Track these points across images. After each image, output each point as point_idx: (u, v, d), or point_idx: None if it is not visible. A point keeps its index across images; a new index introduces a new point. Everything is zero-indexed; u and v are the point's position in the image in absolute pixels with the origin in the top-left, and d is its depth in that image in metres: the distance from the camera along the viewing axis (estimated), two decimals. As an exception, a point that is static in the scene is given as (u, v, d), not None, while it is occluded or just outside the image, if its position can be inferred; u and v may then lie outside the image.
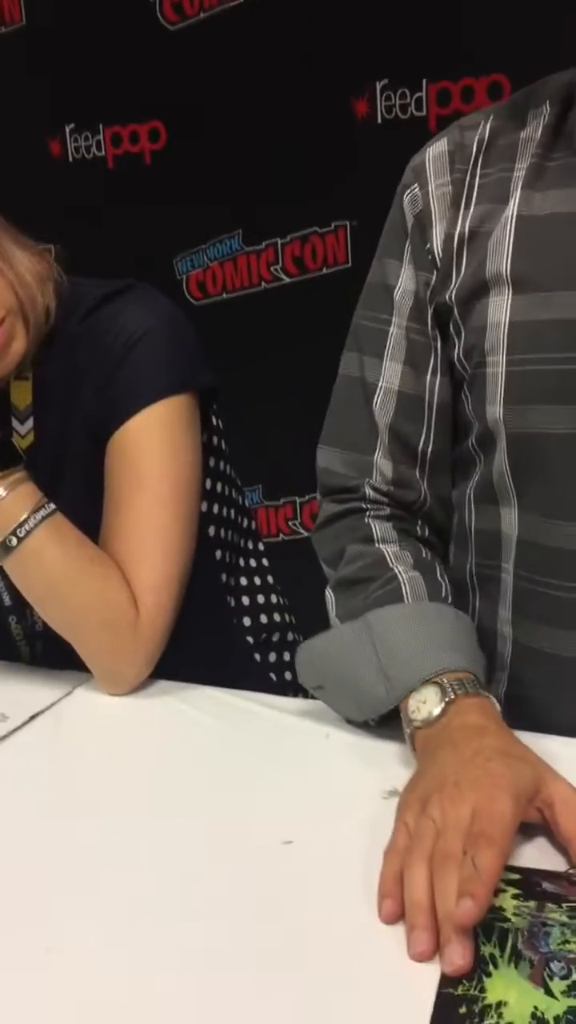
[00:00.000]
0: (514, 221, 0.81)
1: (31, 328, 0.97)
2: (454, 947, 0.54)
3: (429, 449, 0.90)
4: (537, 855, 0.64)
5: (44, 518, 0.93)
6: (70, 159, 2.25)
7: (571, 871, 0.62)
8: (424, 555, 0.88)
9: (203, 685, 0.95)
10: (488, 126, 0.86)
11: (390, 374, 0.89)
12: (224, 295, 2.17)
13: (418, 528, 0.92)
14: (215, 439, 1.12)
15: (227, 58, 2.02)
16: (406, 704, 0.75)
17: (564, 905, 0.58)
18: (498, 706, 0.74)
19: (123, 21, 2.10)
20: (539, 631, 0.83)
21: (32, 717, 0.90)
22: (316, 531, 0.95)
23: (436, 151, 0.88)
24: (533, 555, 0.82)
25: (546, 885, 0.60)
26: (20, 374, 1.01)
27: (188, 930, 0.60)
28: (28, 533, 0.92)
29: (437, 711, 0.72)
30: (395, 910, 0.59)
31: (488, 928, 0.56)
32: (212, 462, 1.11)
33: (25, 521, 0.92)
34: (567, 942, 0.55)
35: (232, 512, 1.16)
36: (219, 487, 1.13)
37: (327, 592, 0.90)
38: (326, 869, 0.64)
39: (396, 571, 0.84)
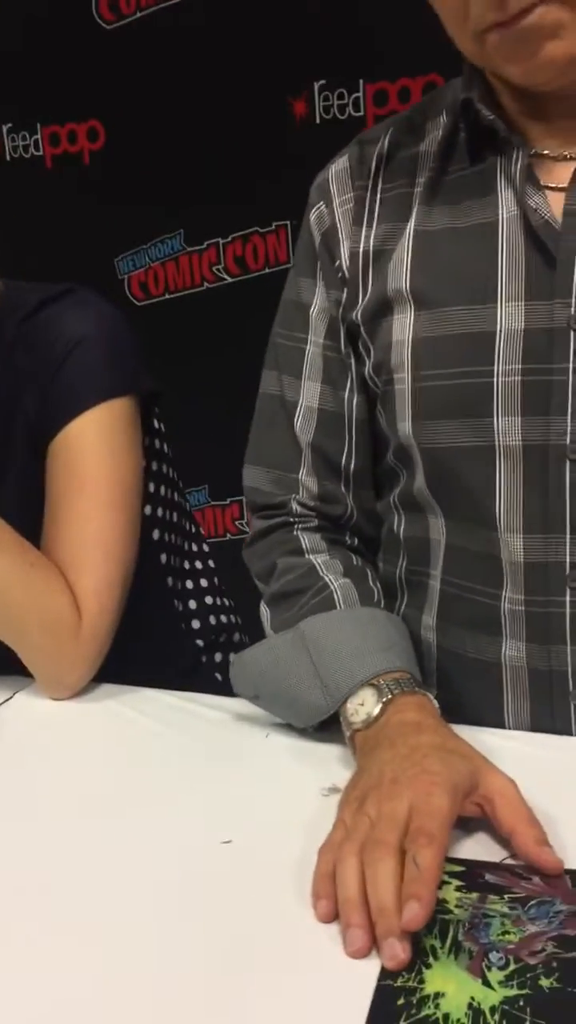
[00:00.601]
0: (412, 237, 0.81)
1: None
2: (393, 942, 0.55)
3: (352, 465, 0.90)
4: (478, 848, 0.65)
5: None
6: (8, 159, 2.23)
7: (508, 860, 0.62)
8: (355, 562, 0.88)
9: (146, 687, 0.95)
10: (387, 140, 0.85)
11: (309, 393, 0.89)
12: (166, 295, 2.17)
13: (347, 538, 0.92)
14: (157, 442, 1.12)
15: (165, 57, 2.01)
16: (344, 708, 0.75)
17: (506, 896, 0.59)
18: (435, 703, 0.75)
19: (59, 20, 2.08)
20: (463, 636, 0.83)
21: (-29, 724, 0.90)
22: (247, 547, 0.95)
23: (338, 168, 0.88)
24: (460, 560, 0.83)
25: (489, 876, 0.61)
26: None
27: (124, 931, 0.60)
28: None
29: (376, 711, 0.72)
30: (330, 909, 0.59)
31: (430, 920, 0.56)
32: (155, 465, 1.10)
33: None
34: (507, 933, 0.56)
35: (175, 515, 1.16)
36: (162, 490, 1.13)
37: (262, 607, 0.90)
38: (265, 867, 0.64)
39: (327, 580, 0.84)
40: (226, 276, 2.08)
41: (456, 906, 0.58)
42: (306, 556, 0.87)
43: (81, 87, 2.09)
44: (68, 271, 1.09)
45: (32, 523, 0.97)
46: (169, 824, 0.71)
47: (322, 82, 1.87)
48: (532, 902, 0.58)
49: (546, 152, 0.77)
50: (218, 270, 2.09)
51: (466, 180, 0.80)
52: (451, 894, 0.59)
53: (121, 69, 2.05)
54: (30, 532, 0.96)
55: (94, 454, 0.97)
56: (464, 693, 0.84)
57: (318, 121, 1.89)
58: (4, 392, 0.99)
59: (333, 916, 0.59)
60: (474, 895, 0.59)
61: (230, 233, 2.05)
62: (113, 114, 2.10)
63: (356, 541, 0.93)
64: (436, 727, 0.70)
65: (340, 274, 0.86)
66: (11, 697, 0.95)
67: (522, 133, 0.77)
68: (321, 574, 0.85)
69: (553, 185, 0.76)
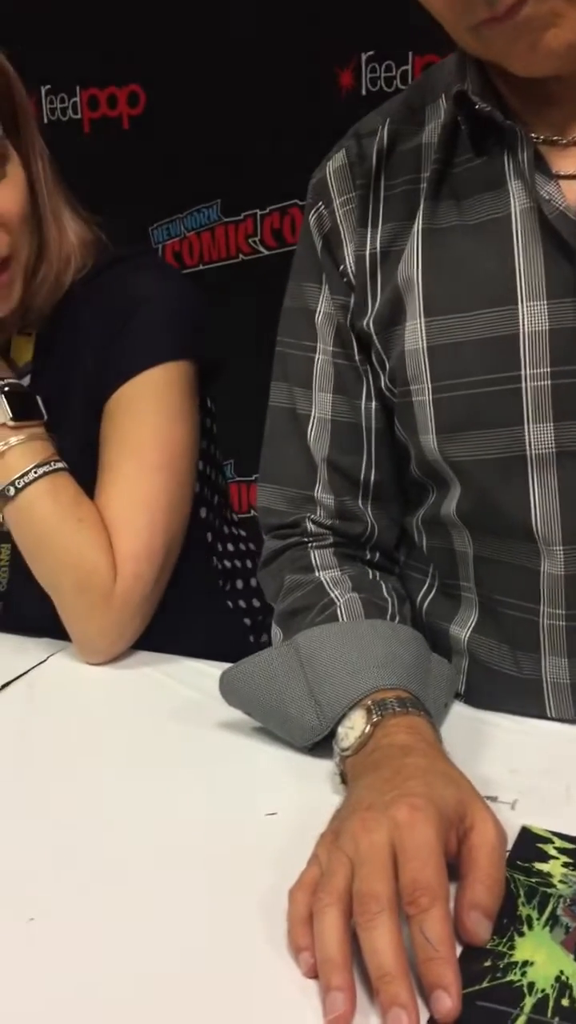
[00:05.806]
0: (420, 237, 0.76)
1: (48, 284, 0.96)
2: (399, 1013, 0.47)
3: (372, 478, 0.85)
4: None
5: (45, 473, 0.92)
6: (45, 121, 2.20)
7: None
8: (369, 576, 0.84)
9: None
10: (386, 132, 0.79)
11: (322, 404, 0.84)
12: (201, 266, 2.15)
13: (367, 553, 0.87)
14: (208, 421, 1.10)
15: (211, 24, 1.98)
16: (336, 732, 0.69)
17: None
18: (431, 723, 0.68)
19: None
20: (497, 651, 0.80)
21: (4, 685, 0.89)
22: (260, 569, 0.91)
23: (336, 165, 0.82)
24: (494, 573, 0.79)
25: None
26: (23, 330, 0.99)
27: (167, 901, 0.58)
28: (27, 485, 0.92)
29: (364, 736, 0.66)
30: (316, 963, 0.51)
31: (531, 891, 0.56)
32: (204, 444, 1.08)
33: (26, 473, 0.92)
34: None
35: (217, 497, 1.14)
36: (209, 471, 1.11)
37: (273, 626, 0.85)
38: (310, 841, 0.63)
39: (333, 596, 0.79)
40: (262, 248, 2.06)
41: (560, 881, 0.57)
42: (315, 573, 0.83)
43: (124, 51, 2.07)
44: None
45: (87, 482, 0.96)
46: (212, 794, 0.70)
47: (370, 53, 1.84)
48: None
49: (556, 139, 0.72)
50: (254, 242, 2.07)
51: (473, 172, 0.74)
52: (557, 869, 0.58)
53: (165, 34, 2.02)
54: (86, 492, 0.96)
55: (148, 417, 0.95)
56: (499, 707, 0.79)
57: (364, 93, 1.86)
58: (66, 349, 0.98)
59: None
60: None
61: (268, 205, 2.02)
62: (155, 80, 2.08)
63: (377, 556, 0.87)
64: (426, 750, 0.63)
65: (346, 279, 0.81)
66: (45, 660, 0.94)
67: (525, 120, 0.72)
68: (328, 590, 0.80)
69: (566, 173, 0.70)
